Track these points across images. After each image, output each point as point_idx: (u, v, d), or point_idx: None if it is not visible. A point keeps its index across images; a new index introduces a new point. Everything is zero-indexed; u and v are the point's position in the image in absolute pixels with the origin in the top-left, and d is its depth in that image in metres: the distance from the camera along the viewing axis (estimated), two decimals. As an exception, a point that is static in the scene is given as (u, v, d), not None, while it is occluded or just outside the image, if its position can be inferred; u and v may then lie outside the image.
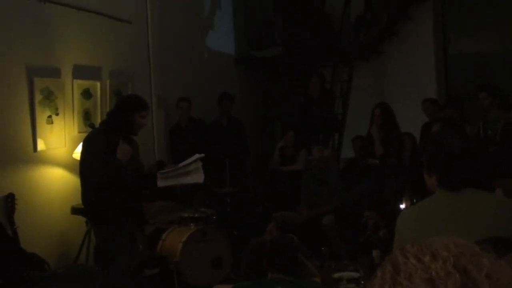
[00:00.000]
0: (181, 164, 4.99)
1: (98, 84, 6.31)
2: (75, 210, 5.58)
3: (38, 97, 5.55)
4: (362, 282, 3.79)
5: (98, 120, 5.95)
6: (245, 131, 8.02)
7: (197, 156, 5.04)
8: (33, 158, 5.53)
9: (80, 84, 6.08)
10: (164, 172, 4.88)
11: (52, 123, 5.70)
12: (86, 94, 6.17)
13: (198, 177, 4.97)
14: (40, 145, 5.56)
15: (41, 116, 5.59)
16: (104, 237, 4.59)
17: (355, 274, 3.99)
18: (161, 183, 4.79)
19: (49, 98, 5.68)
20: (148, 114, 4.84)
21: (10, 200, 5.20)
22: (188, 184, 5.22)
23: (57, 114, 5.76)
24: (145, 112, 4.61)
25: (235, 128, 7.87)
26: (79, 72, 6.06)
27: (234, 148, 7.65)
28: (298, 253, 3.54)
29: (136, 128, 4.57)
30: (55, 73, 5.80)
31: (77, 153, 5.52)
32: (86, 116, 6.14)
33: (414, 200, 4.91)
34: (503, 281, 0.96)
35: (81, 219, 5.50)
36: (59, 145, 5.79)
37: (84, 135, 4.95)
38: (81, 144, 4.94)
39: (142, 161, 4.96)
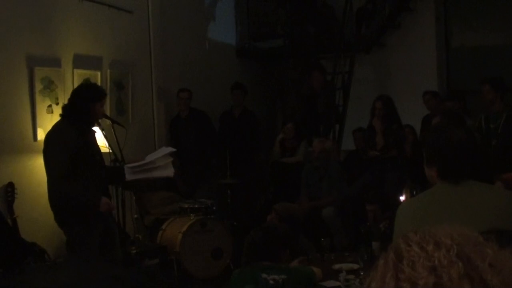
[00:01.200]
0: (148, 158, 4.93)
1: (99, 74, 6.30)
2: (75, 200, 5.57)
3: (38, 86, 5.54)
4: (362, 273, 3.79)
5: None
6: (259, 125, 8.00)
7: (166, 150, 5.02)
8: (33, 147, 5.52)
9: (81, 73, 6.07)
10: (132, 166, 4.82)
11: (52, 112, 5.69)
12: (87, 83, 6.16)
13: (168, 171, 4.94)
14: (40, 135, 5.56)
15: (41, 105, 5.59)
16: (72, 233, 4.51)
17: (354, 266, 3.99)
18: (129, 177, 4.74)
19: (50, 87, 5.67)
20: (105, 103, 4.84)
21: (10, 189, 5.21)
22: (158, 177, 5.18)
23: (57, 104, 5.75)
24: (104, 100, 4.63)
25: (248, 121, 7.85)
26: (80, 61, 6.04)
27: (244, 140, 7.64)
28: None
29: (96, 117, 4.54)
30: (55, 62, 5.79)
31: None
32: (87, 106, 6.13)
33: (414, 192, 4.90)
34: (507, 270, 0.95)
35: (81, 209, 5.49)
36: (59, 134, 5.78)
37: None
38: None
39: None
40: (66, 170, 4.28)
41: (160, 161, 4.93)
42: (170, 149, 5.03)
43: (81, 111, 4.41)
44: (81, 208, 4.37)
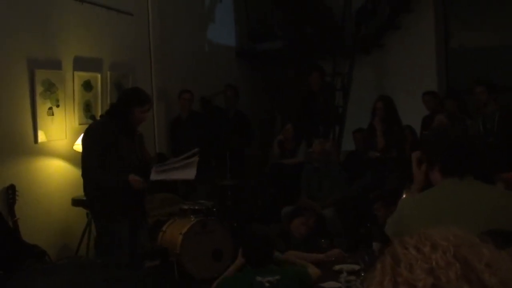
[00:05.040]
0: (181, 157, 5.01)
1: (99, 76, 6.31)
2: (75, 202, 5.59)
3: (39, 89, 5.55)
4: (363, 274, 3.80)
5: (98, 112, 5.96)
6: (251, 125, 8.01)
7: (194, 150, 5.05)
8: (34, 149, 5.53)
9: (81, 76, 6.08)
10: (161, 165, 4.90)
11: (53, 114, 5.70)
12: (87, 86, 6.17)
13: (189, 173, 4.95)
14: (41, 137, 5.57)
15: (42, 107, 5.59)
16: (104, 230, 4.62)
17: (355, 266, 3.99)
18: (153, 177, 4.81)
19: (50, 90, 5.68)
20: (150, 109, 4.83)
21: (11, 191, 5.21)
22: (179, 179, 5.22)
23: (58, 106, 5.76)
24: (145, 107, 4.60)
25: (241, 122, 7.84)
26: (80, 64, 6.05)
27: (238, 140, 7.64)
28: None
29: (136, 122, 4.58)
30: (56, 65, 5.80)
31: (77, 145, 5.54)
32: (87, 108, 6.15)
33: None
34: (504, 270, 0.96)
35: (82, 210, 5.51)
36: (60, 136, 5.79)
37: (85, 127, 4.97)
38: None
39: (147, 152, 4.98)
40: (96, 162, 4.40)
41: (182, 162, 4.95)
42: (196, 150, 5.01)
43: (119, 112, 4.50)
44: (112, 195, 4.45)
